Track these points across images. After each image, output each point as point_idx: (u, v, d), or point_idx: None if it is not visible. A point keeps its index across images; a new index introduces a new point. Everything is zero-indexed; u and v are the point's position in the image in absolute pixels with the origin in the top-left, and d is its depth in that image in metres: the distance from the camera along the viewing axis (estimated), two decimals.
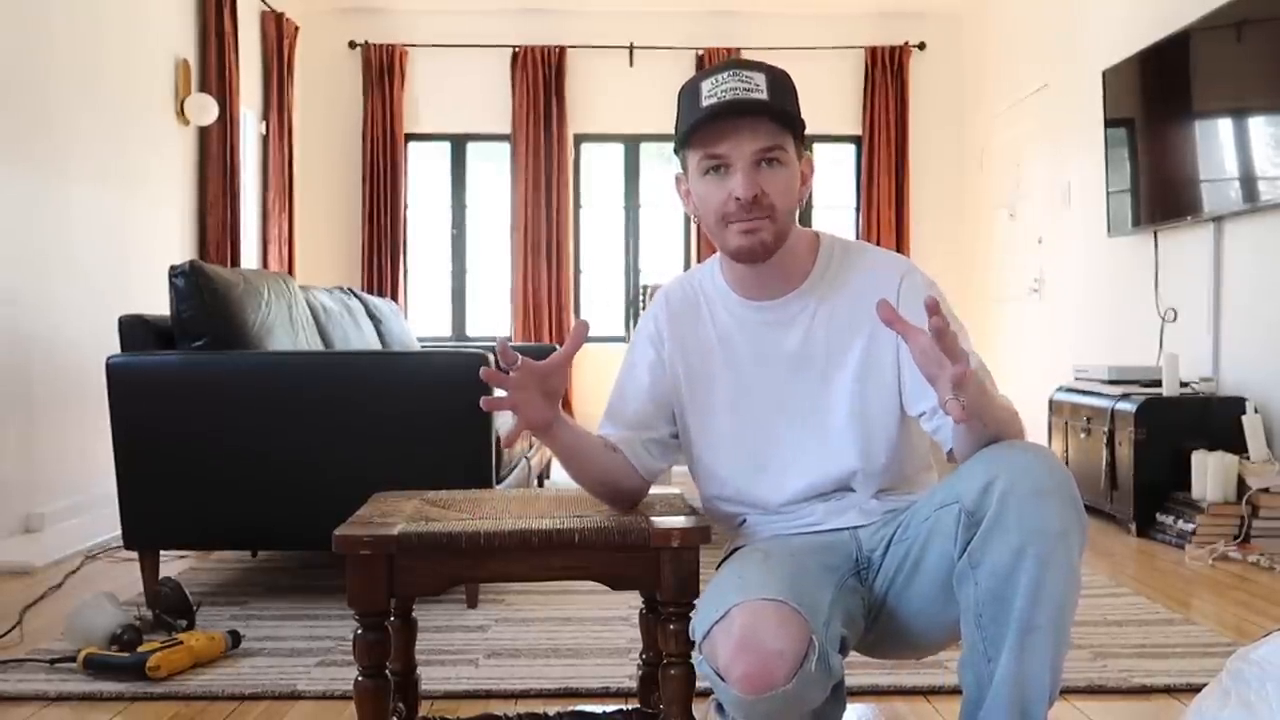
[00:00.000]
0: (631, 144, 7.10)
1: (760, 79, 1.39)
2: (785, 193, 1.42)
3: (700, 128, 1.40)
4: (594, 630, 2.48)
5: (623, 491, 1.54)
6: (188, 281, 2.68)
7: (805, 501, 1.50)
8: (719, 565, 1.50)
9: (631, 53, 6.91)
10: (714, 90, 1.39)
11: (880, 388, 1.47)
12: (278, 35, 6.15)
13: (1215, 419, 3.69)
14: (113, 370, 2.64)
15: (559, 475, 5.16)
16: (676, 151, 1.49)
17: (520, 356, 1.39)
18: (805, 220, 7.00)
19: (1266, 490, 3.38)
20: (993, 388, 1.36)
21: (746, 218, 1.40)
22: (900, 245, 6.84)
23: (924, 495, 1.42)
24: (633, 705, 1.76)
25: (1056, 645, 1.21)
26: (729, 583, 1.32)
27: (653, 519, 1.43)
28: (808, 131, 1.47)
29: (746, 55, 6.82)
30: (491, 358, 1.52)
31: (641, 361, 1.58)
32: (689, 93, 1.44)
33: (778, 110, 1.40)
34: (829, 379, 1.47)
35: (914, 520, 1.41)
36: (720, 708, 1.34)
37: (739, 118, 1.38)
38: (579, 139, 7.07)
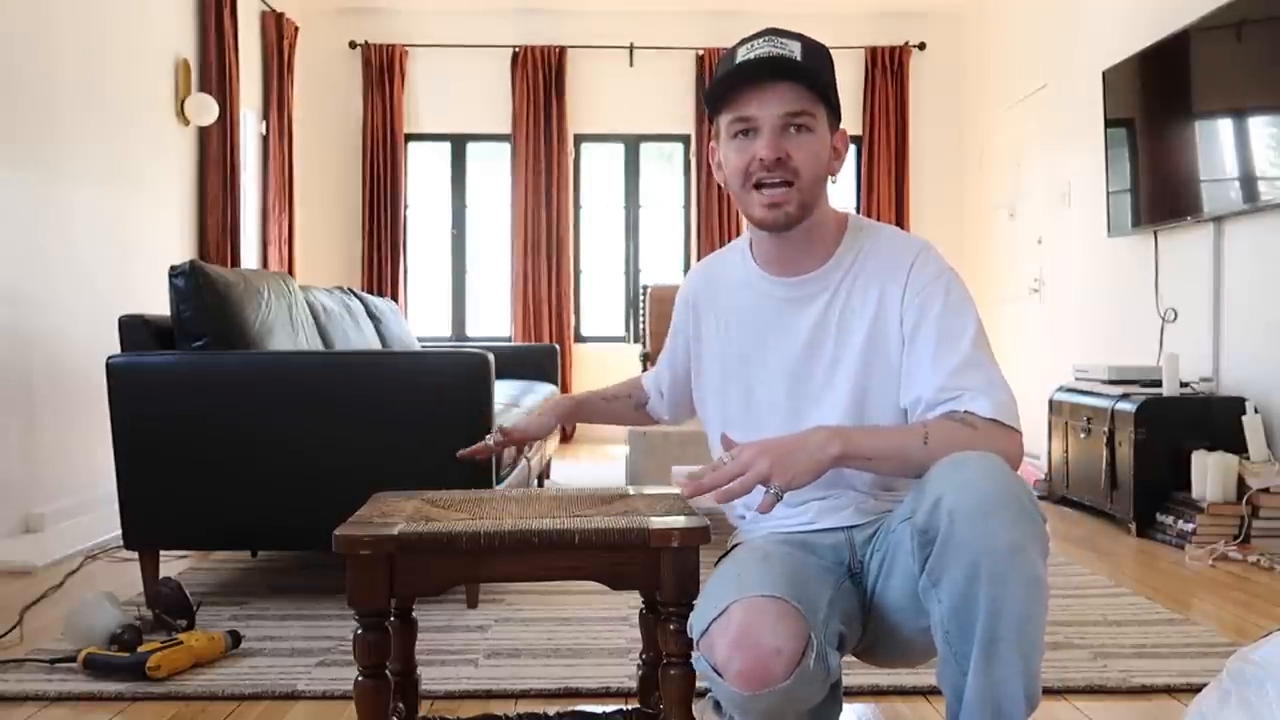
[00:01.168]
0: (631, 144, 7.10)
1: (796, 46, 1.41)
2: (811, 159, 1.41)
3: (730, 87, 1.41)
4: (594, 630, 2.48)
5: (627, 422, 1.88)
6: (188, 281, 2.68)
7: (803, 495, 1.49)
8: (716, 563, 1.50)
9: (631, 53, 6.91)
10: (749, 53, 1.41)
11: (884, 374, 1.45)
12: (278, 35, 6.15)
13: (1215, 419, 3.69)
14: (113, 370, 2.64)
15: (559, 475, 5.16)
16: (711, 114, 1.51)
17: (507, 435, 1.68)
18: None
19: (1266, 490, 3.38)
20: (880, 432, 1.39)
21: (770, 183, 1.41)
22: None
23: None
24: (633, 705, 1.76)
25: (1025, 655, 1.20)
26: (727, 580, 1.32)
27: (652, 519, 1.43)
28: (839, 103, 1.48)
29: None
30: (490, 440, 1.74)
31: (676, 334, 1.72)
32: (725, 57, 1.45)
33: (809, 74, 1.39)
34: (837, 362, 1.47)
35: (887, 529, 1.41)
36: (718, 706, 1.34)
37: (769, 80, 1.39)
38: (579, 139, 7.07)
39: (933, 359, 1.40)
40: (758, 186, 1.41)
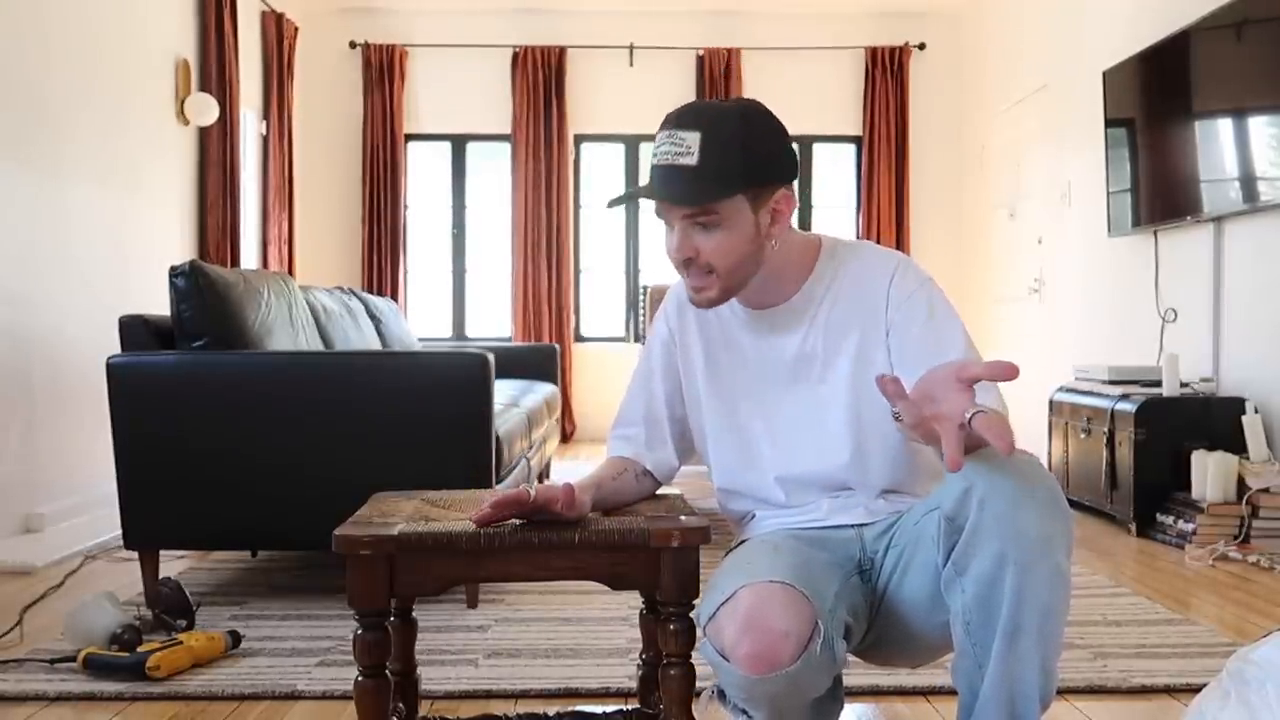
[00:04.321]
0: (631, 144, 7.10)
1: (694, 140, 1.35)
2: (721, 252, 1.39)
3: (633, 192, 1.43)
4: (594, 630, 2.48)
5: (642, 498, 1.61)
6: (188, 281, 2.68)
7: (810, 499, 1.50)
8: (724, 557, 1.50)
9: (631, 53, 6.91)
10: (656, 150, 1.39)
11: (877, 391, 1.46)
12: (278, 35, 6.15)
13: (1215, 419, 3.69)
14: (113, 370, 2.64)
15: (559, 476, 5.16)
16: None
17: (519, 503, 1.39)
18: (805, 221, 7.00)
19: (1266, 490, 3.38)
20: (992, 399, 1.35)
21: (688, 275, 1.43)
22: (900, 245, 6.84)
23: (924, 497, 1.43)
24: (633, 705, 1.76)
25: (1045, 649, 1.21)
26: (736, 568, 1.34)
27: (653, 519, 1.43)
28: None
29: (747, 55, 6.82)
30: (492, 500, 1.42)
31: (657, 367, 1.62)
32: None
33: (698, 179, 1.35)
34: (825, 381, 1.48)
35: (907, 523, 1.41)
36: (722, 695, 1.34)
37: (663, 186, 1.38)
38: (579, 139, 7.07)
39: (929, 367, 1.40)
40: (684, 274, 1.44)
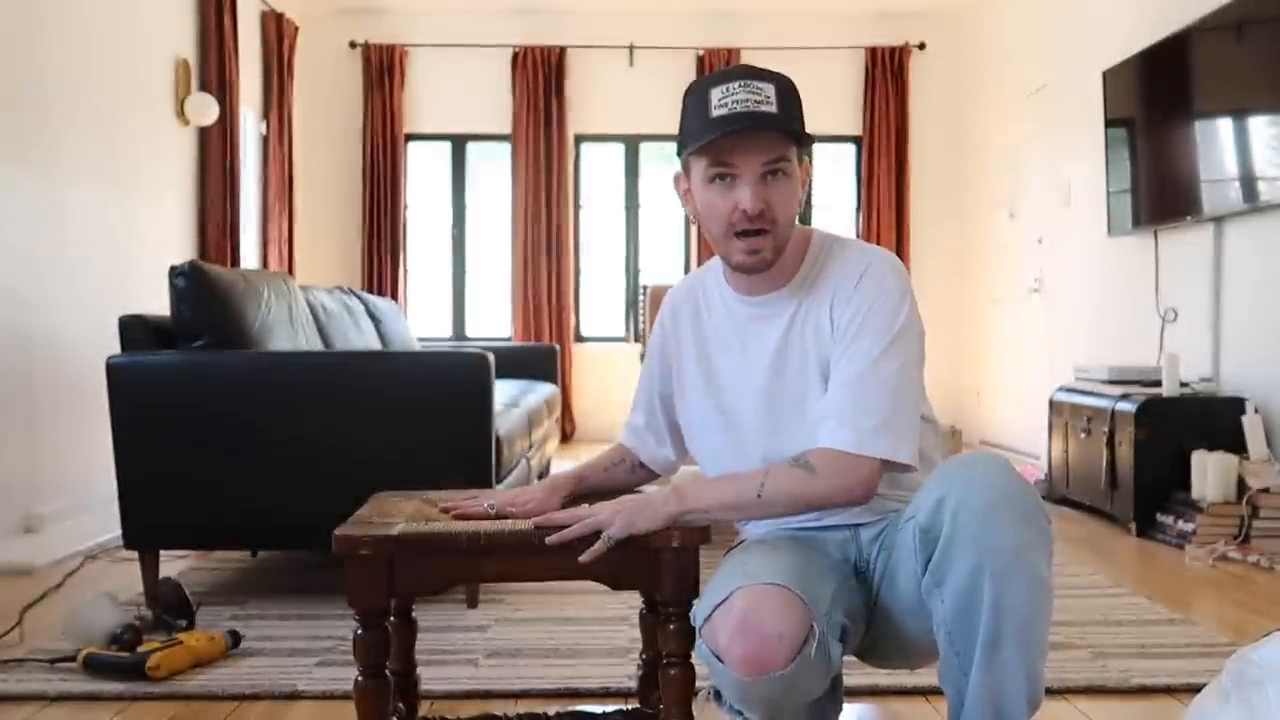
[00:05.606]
0: (631, 144, 7.10)
1: (770, 90, 1.38)
2: (787, 204, 1.42)
3: (712, 138, 1.39)
4: (594, 630, 2.48)
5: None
6: (188, 281, 2.68)
7: None
8: (724, 557, 1.50)
9: (631, 53, 6.91)
10: (724, 100, 1.37)
11: None
12: (278, 35, 6.15)
13: (1215, 419, 3.69)
14: (113, 370, 2.64)
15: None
16: (680, 154, 1.48)
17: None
18: (805, 221, 7.00)
19: (1266, 490, 3.38)
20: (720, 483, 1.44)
21: (751, 231, 1.40)
22: (900, 245, 6.85)
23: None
24: (633, 705, 1.76)
25: (1027, 655, 1.22)
26: (733, 570, 1.34)
27: None
28: (810, 131, 1.46)
29: (747, 55, 6.82)
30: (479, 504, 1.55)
31: (653, 359, 1.67)
32: (697, 98, 1.41)
33: (786, 123, 1.39)
34: (805, 374, 1.48)
35: (892, 528, 1.41)
36: (718, 695, 1.34)
37: (750, 131, 1.37)
38: (579, 139, 7.07)
39: (831, 375, 1.42)
40: (739, 234, 1.41)
